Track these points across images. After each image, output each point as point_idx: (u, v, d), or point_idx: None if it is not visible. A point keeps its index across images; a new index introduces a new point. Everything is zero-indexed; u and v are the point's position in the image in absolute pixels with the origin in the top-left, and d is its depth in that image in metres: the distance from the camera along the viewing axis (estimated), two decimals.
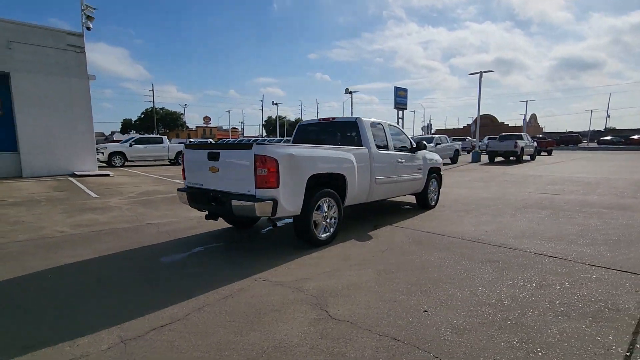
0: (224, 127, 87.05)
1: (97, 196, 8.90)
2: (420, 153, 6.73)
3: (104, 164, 18.49)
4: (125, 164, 19.23)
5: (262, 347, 2.24)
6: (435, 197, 7.29)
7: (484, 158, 22.09)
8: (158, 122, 77.09)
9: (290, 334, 2.39)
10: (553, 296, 2.98)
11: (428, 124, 60.88)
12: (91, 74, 14.47)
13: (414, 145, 6.53)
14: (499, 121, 63.60)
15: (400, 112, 50.79)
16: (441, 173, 7.54)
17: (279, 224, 5.69)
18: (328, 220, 4.61)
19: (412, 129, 70.09)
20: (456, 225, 5.64)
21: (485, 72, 21.32)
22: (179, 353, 2.19)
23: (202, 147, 4.53)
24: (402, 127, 51.82)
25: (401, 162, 6.07)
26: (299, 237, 4.44)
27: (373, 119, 5.89)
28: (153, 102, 68.69)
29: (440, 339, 2.33)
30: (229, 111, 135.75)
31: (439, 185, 7.45)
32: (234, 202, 3.92)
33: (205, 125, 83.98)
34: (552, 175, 12.96)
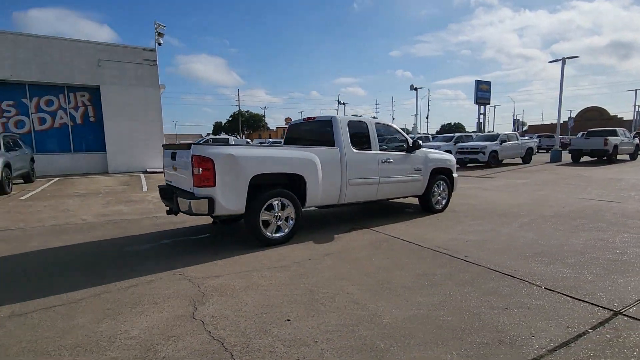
0: None
1: (146, 190, 10.19)
2: (421, 153, 6.20)
3: None
4: None
5: (93, 335, 2.42)
6: (443, 200, 6.64)
7: (568, 158, 19.03)
8: (243, 124, 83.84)
9: (136, 327, 2.52)
10: (424, 322, 2.55)
11: (516, 120, 54.58)
12: (162, 83, 16.51)
13: (412, 144, 6.05)
14: (611, 114, 53.65)
15: (483, 107, 46.73)
16: (453, 175, 6.82)
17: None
18: (282, 220, 4.60)
19: (492, 125, 63.19)
20: (441, 232, 5.09)
21: (568, 58, 18.16)
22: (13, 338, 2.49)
23: (170, 147, 4.92)
24: (483, 123, 47.36)
25: (389, 162, 5.69)
26: (252, 235, 4.53)
27: (354, 117, 5.66)
28: (239, 106, 74.75)
29: (274, 349, 2.22)
30: (301, 112, 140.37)
31: (450, 188, 6.74)
32: (179, 199, 4.19)
33: (285, 125, 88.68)
34: (637, 179, 10.61)
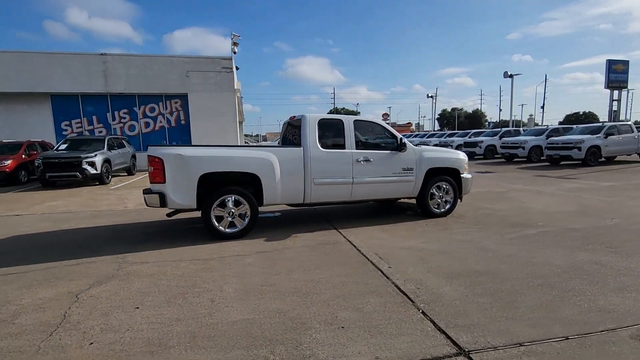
0: (398, 123, 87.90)
1: None
2: (412, 152, 5.65)
3: None
4: None
5: (2, 298, 3.08)
6: (446, 204, 5.91)
7: None
8: None
9: (30, 297, 3.11)
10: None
11: None
12: (237, 88, 18.28)
13: (402, 142, 5.55)
14: None
15: (617, 92, 37.96)
16: (462, 176, 5.99)
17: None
18: (235, 217, 4.84)
19: (629, 114, 49.98)
20: (404, 240, 4.62)
21: None
22: None
23: None
24: (618, 111, 38.63)
25: (368, 161, 5.37)
26: (205, 229, 4.88)
27: (328, 116, 5.51)
28: (334, 103, 76.92)
29: (93, 330, 2.53)
30: (389, 107, 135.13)
31: (457, 190, 5.95)
32: (143, 194, 4.81)
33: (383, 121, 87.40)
34: None
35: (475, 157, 20.40)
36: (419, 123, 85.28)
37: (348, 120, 5.49)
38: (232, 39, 17.99)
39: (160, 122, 18.59)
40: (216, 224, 4.77)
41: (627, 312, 2.56)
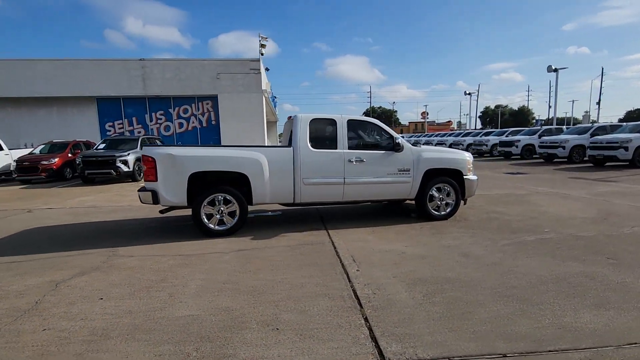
0: (437, 121, 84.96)
1: None
2: (410, 152, 5.46)
3: None
4: None
5: None
6: (447, 207, 5.65)
7: None
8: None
9: (19, 284, 3.41)
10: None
11: None
12: (264, 89, 18.68)
13: (398, 142, 5.38)
14: None
15: None
16: (466, 177, 5.69)
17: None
18: (225, 215, 4.96)
19: None
20: (388, 243, 4.49)
21: None
22: None
23: None
24: None
25: (360, 161, 5.28)
26: (195, 226, 5.05)
27: (320, 115, 5.45)
28: (370, 102, 76.05)
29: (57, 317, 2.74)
30: (426, 105, 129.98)
31: (460, 193, 5.66)
32: (138, 192, 5.07)
33: (422, 119, 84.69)
34: None
35: (512, 157, 19.25)
36: (460, 121, 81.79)
37: (342, 120, 5.42)
38: (259, 40, 18.44)
39: (193, 122, 19.48)
40: (206, 221, 4.92)
41: (592, 332, 2.30)
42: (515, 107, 69.93)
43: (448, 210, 5.68)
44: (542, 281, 3.13)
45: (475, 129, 54.90)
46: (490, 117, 69.66)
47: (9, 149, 14.10)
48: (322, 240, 4.70)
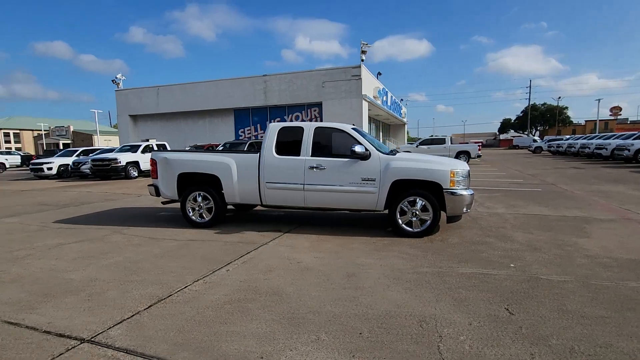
0: (630, 119, 64.99)
1: None
2: (379, 160, 5.06)
3: None
4: None
5: (33, 243, 5.16)
6: (421, 222, 4.95)
7: None
8: (538, 119, 71.95)
9: (43, 244, 5.07)
10: None
11: None
12: (364, 94, 18.97)
13: (361, 150, 5.06)
14: None
15: None
16: (446, 190, 4.84)
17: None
18: (203, 210, 5.80)
19: None
20: (310, 252, 4.39)
21: None
22: None
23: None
24: None
25: (320, 169, 5.24)
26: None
27: (291, 124, 5.64)
28: (529, 99, 65.09)
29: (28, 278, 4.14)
30: (598, 100, 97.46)
31: (437, 207, 4.86)
32: (148, 186, 6.41)
33: (611, 117, 66.47)
34: None
35: None
36: None
37: (309, 128, 5.48)
38: (361, 47, 18.79)
39: None
40: (190, 213, 5.88)
41: None
42: None
43: (422, 227, 4.96)
44: (368, 318, 2.68)
45: None
46: None
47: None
48: (262, 241, 4.94)
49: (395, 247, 4.53)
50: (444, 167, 4.94)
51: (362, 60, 18.99)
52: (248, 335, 2.44)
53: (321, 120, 20.73)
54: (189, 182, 5.91)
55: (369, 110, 23.66)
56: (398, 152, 6.56)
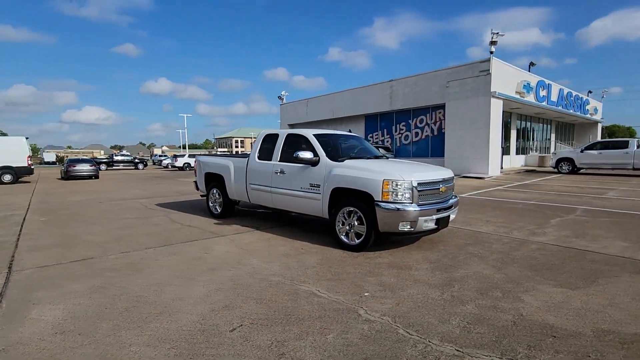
0: None
1: None
2: (325, 166, 5.00)
3: (555, 170, 18.37)
4: (577, 171, 17.68)
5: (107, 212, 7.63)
6: (357, 236, 4.61)
7: None
8: None
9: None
10: None
11: None
12: (494, 90, 16.30)
13: (310, 156, 5.09)
14: None
15: None
16: (377, 203, 4.33)
17: None
18: (217, 204, 7.05)
19: None
20: (248, 247, 4.90)
21: None
22: None
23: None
24: None
25: (282, 173, 5.59)
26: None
27: (272, 131, 6.12)
28: None
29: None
30: None
31: (369, 221, 4.41)
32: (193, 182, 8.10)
33: None
34: None
35: None
36: None
37: (282, 134, 5.88)
38: (491, 37, 16.13)
39: (426, 131, 20.33)
40: (211, 205, 7.25)
41: None
42: None
43: (357, 241, 4.60)
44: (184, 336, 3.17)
45: None
46: None
47: None
48: (221, 232, 5.72)
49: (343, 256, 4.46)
50: (376, 175, 4.43)
51: (492, 52, 16.24)
52: None
53: (444, 123, 19.03)
54: (211, 180, 7.29)
55: (515, 108, 20.04)
56: (386, 157, 6.08)
